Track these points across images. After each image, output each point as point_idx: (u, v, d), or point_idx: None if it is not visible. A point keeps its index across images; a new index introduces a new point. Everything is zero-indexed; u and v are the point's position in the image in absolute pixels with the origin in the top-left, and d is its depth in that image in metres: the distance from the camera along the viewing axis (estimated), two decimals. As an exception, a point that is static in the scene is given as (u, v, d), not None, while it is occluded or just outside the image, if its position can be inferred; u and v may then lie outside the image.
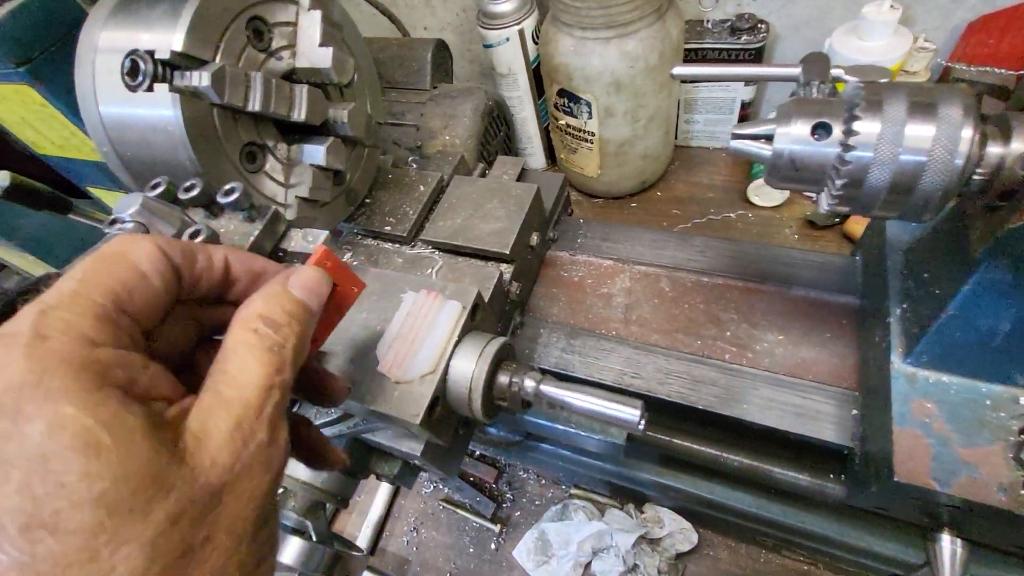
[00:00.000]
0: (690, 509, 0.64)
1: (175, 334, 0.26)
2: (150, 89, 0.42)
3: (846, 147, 0.30)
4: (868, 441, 0.44)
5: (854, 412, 0.46)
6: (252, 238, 0.39)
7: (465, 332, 0.38)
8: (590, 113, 0.82)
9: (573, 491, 0.71)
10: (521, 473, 0.75)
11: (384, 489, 0.76)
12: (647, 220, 0.93)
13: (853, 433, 0.46)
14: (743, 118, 0.94)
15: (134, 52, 0.42)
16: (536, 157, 1.03)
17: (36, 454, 0.16)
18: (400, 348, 0.36)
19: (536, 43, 0.88)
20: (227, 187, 0.38)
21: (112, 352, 0.20)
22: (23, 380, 0.17)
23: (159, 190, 0.39)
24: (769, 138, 0.33)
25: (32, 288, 0.29)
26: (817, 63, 0.38)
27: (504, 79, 0.91)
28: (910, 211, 0.31)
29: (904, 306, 0.43)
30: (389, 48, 0.88)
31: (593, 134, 0.85)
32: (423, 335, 0.36)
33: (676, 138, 0.99)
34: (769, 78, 0.39)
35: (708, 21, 0.86)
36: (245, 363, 0.22)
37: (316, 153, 0.49)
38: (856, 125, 0.30)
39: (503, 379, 0.36)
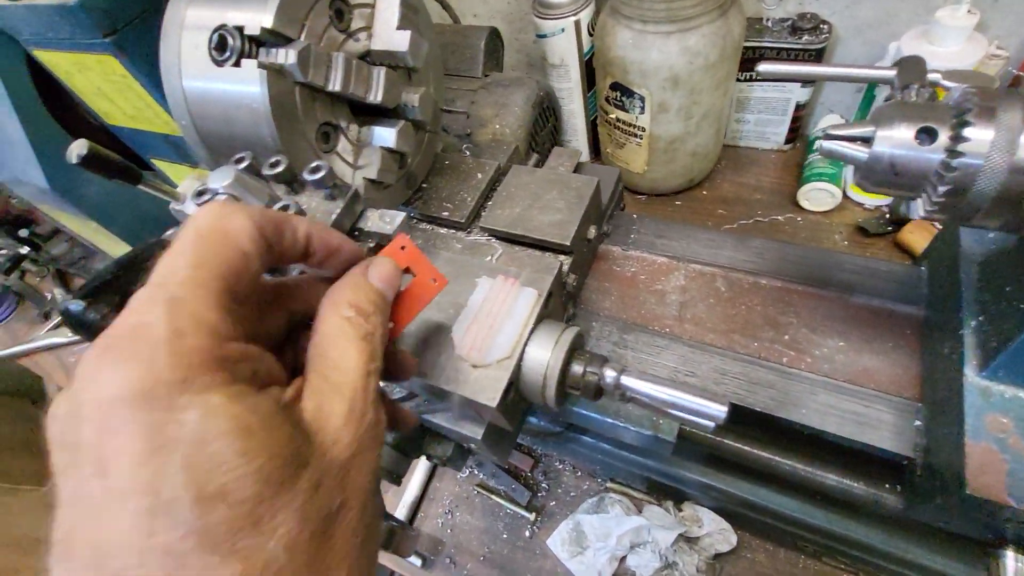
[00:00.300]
0: (730, 510, 0.64)
1: (275, 323, 0.28)
2: (237, 64, 0.42)
3: (953, 153, 0.30)
4: (932, 453, 0.43)
5: (916, 423, 0.46)
6: (333, 216, 0.40)
7: (539, 320, 0.38)
8: (643, 108, 0.81)
9: (609, 485, 0.71)
10: (557, 464, 0.75)
11: (421, 470, 0.77)
12: (691, 219, 0.92)
13: (915, 444, 0.45)
14: (796, 120, 0.93)
15: (222, 27, 0.43)
16: (581, 151, 1.03)
17: (194, 438, 0.18)
18: (478, 332, 0.36)
19: (591, 35, 0.87)
20: (313, 165, 0.39)
21: (237, 347, 0.21)
22: (171, 377, 0.18)
23: (245, 164, 0.40)
24: (866, 140, 0.33)
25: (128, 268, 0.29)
26: (913, 67, 0.37)
27: (555, 70, 0.90)
28: (1014, 222, 0.31)
29: (980, 319, 0.42)
30: (443, 34, 0.88)
31: (643, 129, 0.84)
32: (500, 321, 0.37)
33: (724, 137, 0.97)
34: (861, 79, 0.38)
35: (768, 20, 0.84)
36: (345, 351, 0.24)
37: (387, 136, 0.50)
38: (967, 131, 0.29)
39: (577, 368, 0.37)
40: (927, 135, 0.31)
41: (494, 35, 0.86)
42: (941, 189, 0.30)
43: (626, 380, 0.33)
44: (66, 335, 1.18)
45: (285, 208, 0.37)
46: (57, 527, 0.18)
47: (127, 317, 0.20)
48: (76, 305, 0.23)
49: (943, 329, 0.46)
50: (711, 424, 0.34)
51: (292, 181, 0.42)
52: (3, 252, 1.36)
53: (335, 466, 0.21)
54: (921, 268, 0.54)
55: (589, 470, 0.74)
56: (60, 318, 1.19)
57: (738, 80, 0.88)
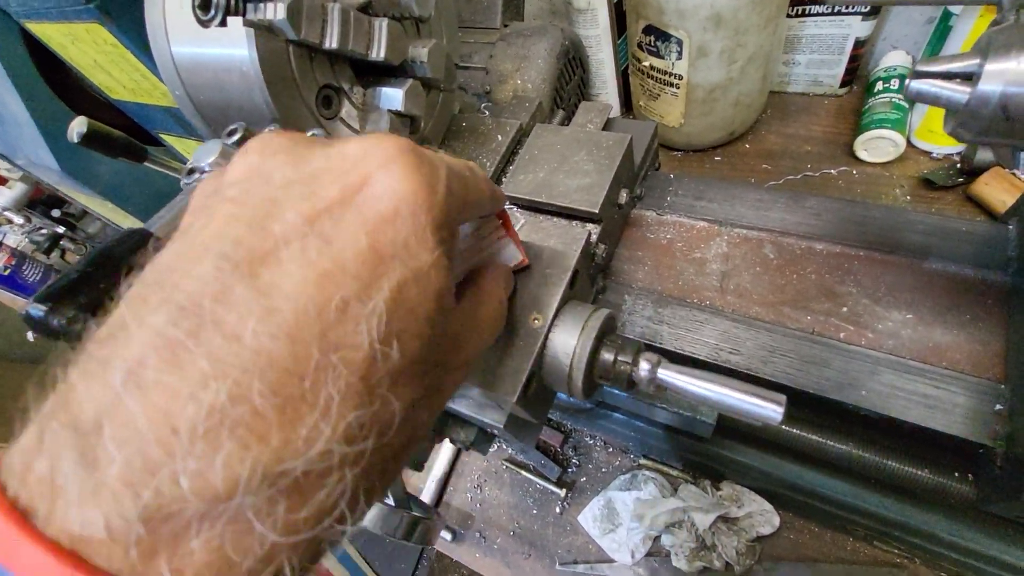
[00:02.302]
0: (771, 491, 0.60)
1: None
2: (223, 23, 0.38)
3: (1090, 88, 0.23)
4: (1018, 442, 0.38)
5: (997, 408, 0.40)
6: (335, 192, 0.36)
7: (564, 301, 0.34)
8: (680, 53, 0.73)
9: (642, 461, 0.68)
10: (588, 439, 0.73)
11: (448, 446, 0.76)
12: (732, 176, 0.85)
13: (996, 431, 0.40)
14: (853, 59, 0.82)
15: (205, -18, 0.39)
16: (611, 105, 0.95)
17: (414, 276, 0.19)
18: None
19: (620, -28, 0.78)
20: (310, 133, 0.35)
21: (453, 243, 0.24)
22: (438, 217, 0.20)
23: (236, 137, 0.36)
24: (968, 77, 0.27)
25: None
26: (1030, -20, 0.29)
27: (582, 15, 0.82)
28: None
29: (1088, 289, 0.36)
30: (457, -19, 0.81)
31: (680, 77, 0.76)
32: None
33: (771, 82, 0.88)
34: (965, 1, 0.31)
35: (826, -59, 0.73)
36: (491, 314, 0.28)
37: (394, 97, 0.45)
38: (1113, 58, 0.23)
39: (607, 356, 0.33)
40: (1053, 67, 0.24)
41: (513, -21, 0.79)
42: (1069, 136, 0.24)
43: (663, 374, 0.29)
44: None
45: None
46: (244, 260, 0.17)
47: (422, 148, 0.22)
48: (37, 310, 0.21)
49: (1037, 300, 0.40)
50: (776, 423, 0.29)
51: (289, 153, 0.38)
52: (43, 232, 1.39)
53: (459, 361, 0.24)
54: (1008, 227, 0.47)
55: (621, 446, 0.71)
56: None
57: (788, 16, 0.78)
